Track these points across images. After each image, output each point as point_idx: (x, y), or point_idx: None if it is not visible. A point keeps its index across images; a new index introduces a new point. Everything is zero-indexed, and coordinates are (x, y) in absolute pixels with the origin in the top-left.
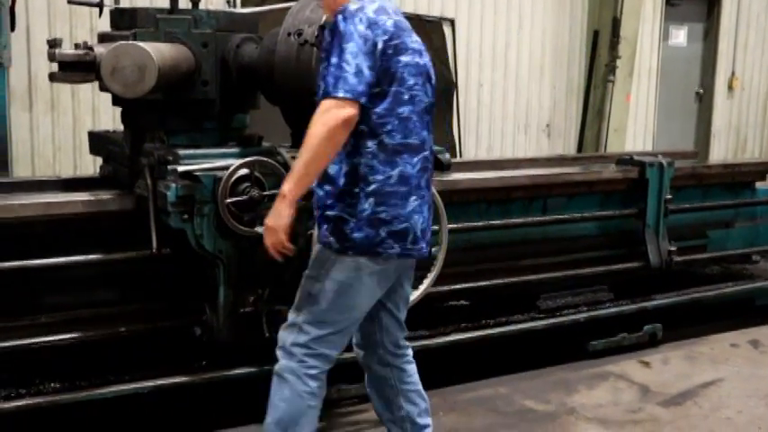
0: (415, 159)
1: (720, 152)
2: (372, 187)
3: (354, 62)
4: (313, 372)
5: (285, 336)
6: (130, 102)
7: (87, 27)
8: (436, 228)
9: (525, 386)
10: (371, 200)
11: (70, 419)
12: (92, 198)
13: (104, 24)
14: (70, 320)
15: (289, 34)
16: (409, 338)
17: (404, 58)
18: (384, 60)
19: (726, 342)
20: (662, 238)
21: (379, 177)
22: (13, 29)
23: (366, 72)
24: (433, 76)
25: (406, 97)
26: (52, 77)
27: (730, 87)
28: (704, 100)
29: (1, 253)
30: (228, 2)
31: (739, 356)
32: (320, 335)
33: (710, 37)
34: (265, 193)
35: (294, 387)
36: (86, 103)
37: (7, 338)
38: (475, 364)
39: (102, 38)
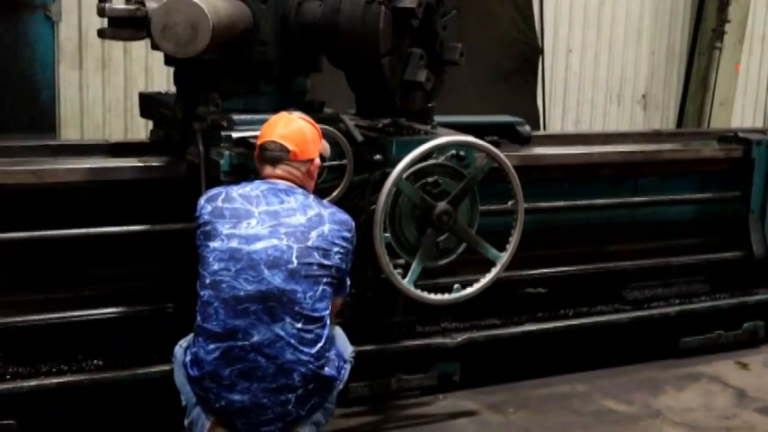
0: (212, 346)
1: None
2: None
3: None
4: None
5: None
6: (183, 62)
7: None
8: (511, 203)
9: (606, 384)
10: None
11: (114, 398)
12: (140, 164)
13: None
14: (115, 294)
15: None
16: (479, 327)
17: (213, 244)
18: (198, 244)
19: None
20: None
21: (194, 347)
22: None
23: None
24: (285, 261)
25: (207, 281)
26: (101, 34)
27: None
28: None
29: (44, 220)
30: None
31: None
32: None
33: None
34: (325, 164)
35: None
36: (139, 62)
37: (50, 311)
38: (551, 357)
39: None
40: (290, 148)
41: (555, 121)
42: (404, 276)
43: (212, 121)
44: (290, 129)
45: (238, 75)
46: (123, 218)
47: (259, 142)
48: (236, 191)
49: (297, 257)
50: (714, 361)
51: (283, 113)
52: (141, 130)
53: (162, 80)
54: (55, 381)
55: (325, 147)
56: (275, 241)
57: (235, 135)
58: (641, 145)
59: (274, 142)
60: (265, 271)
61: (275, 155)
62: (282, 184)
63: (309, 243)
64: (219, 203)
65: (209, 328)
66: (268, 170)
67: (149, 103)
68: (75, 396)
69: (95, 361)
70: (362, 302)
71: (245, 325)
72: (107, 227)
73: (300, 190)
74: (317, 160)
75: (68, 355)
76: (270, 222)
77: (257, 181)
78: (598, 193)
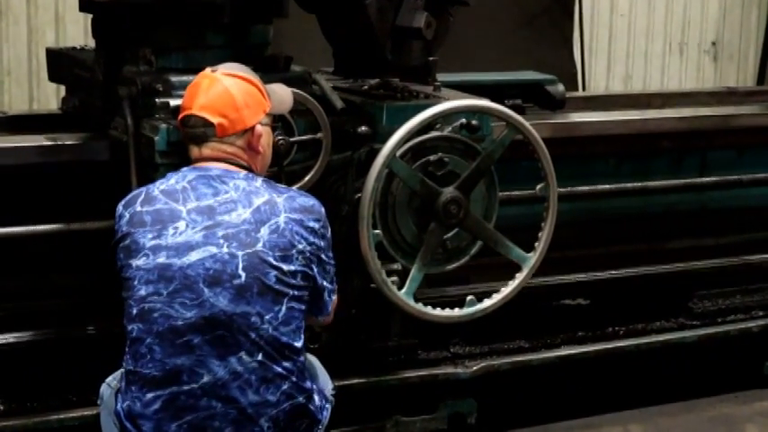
0: (150, 396)
1: None
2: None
3: None
4: None
5: None
6: (104, 7)
7: None
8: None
9: (669, 424)
10: None
11: None
12: (49, 143)
13: None
14: (19, 315)
15: None
16: (500, 351)
17: (136, 262)
18: (119, 264)
19: None
20: None
21: (126, 397)
22: None
23: None
24: (230, 276)
25: (135, 312)
26: None
27: None
28: None
29: None
30: None
31: None
32: None
33: None
34: (293, 139)
35: None
36: (47, 9)
37: None
38: (596, 390)
39: None
40: (214, 121)
41: (598, 79)
42: (400, 286)
43: (144, 85)
44: (212, 95)
45: (177, 23)
46: (27, 215)
47: (179, 117)
48: (158, 187)
49: (245, 269)
50: None
51: (205, 73)
52: (51, 98)
53: (77, 32)
54: None
55: (282, 97)
56: (213, 249)
57: (173, 103)
58: (711, 108)
59: (194, 116)
60: (206, 291)
61: (197, 132)
62: (216, 169)
63: (260, 246)
64: (138, 207)
65: (145, 373)
66: (194, 152)
67: (61, 63)
68: None
69: None
70: (347, 321)
71: (189, 363)
72: (5, 227)
73: (243, 173)
74: (260, 128)
75: None
76: (203, 224)
77: (184, 169)
78: (655, 173)
